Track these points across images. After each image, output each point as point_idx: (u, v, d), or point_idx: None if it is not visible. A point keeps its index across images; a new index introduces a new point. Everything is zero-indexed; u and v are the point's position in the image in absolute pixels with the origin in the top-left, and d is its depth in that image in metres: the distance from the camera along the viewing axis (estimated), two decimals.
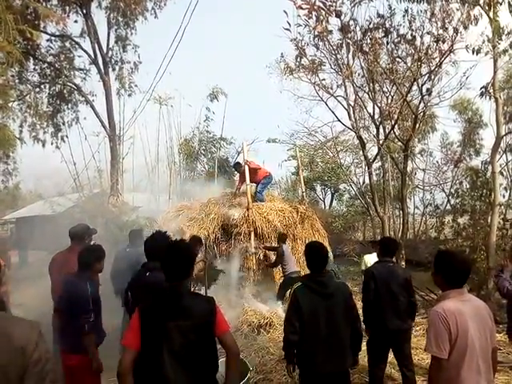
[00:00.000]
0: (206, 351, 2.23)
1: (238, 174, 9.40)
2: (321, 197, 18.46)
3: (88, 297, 3.18)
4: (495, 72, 6.85)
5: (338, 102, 8.68)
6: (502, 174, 8.50)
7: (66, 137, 13.36)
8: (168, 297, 2.28)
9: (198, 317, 2.22)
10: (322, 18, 7.07)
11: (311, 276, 3.17)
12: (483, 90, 7.06)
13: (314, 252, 3.21)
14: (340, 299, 3.06)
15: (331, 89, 8.55)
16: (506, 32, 6.70)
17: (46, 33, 11.88)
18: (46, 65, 12.54)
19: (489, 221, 7.30)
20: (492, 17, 6.64)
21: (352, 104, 8.67)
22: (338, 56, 7.93)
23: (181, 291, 2.30)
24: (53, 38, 12.31)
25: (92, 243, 4.63)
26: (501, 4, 6.79)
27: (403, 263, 8.10)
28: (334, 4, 6.93)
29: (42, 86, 12.95)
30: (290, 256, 7.29)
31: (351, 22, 7.30)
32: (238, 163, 9.16)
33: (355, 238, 15.91)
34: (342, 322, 3.03)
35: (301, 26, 7.22)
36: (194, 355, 2.19)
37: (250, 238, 7.87)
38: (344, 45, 7.63)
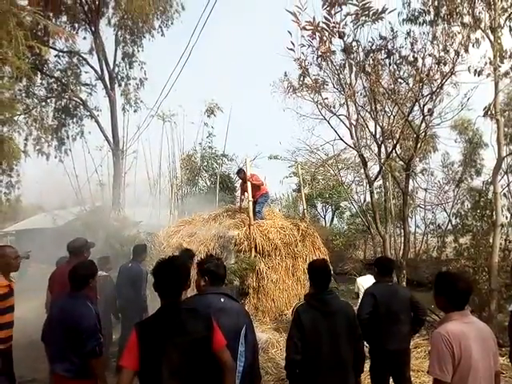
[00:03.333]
0: (204, 368, 2.20)
1: (240, 185, 9.40)
2: (322, 214, 18.46)
3: (95, 317, 3.07)
4: (496, 94, 6.93)
5: (341, 120, 8.78)
6: (504, 195, 8.52)
7: (70, 150, 13.51)
8: (165, 314, 2.26)
9: (196, 333, 2.21)
10: (325, 38, 7.20)
11: (314, 294, 3.14)
12: (486, 110, 7.14)
13: (317, 270, 3.17)
14: (343, 318, 3.02)
15: (334, 108, 8.66)
16: (507, 55, 6.82)
17: (55, 49, 12.15)
18: (53, 79, 12.76)
19: (491, 241, 7.27)
20: (493, 40, 6.77)
21: (354, 123, 8.76)
22: (341, 76, 8.05)
23: (177, 308, 2.29)
24: (61, 53, 12.57)
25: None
26: (502, 28, 6.94)
27: (404, 283, 8.04)
28: (338, 25, 7.06)
29: (48, 100, 13.15)
30: None
31: (354, 43, 7.44)
32: (241, 169, 9.18)
33: (356, 257, 15.83)
34: (345, 342, 2.98)
35: (304, 46, 7.35)
36: (193, 372, 2.16)
37: (250, 256, 7.84)
38: (347, 65, 7.76)
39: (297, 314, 3.03)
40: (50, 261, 5.86)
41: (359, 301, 4.31)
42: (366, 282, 5.61)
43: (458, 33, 7.06)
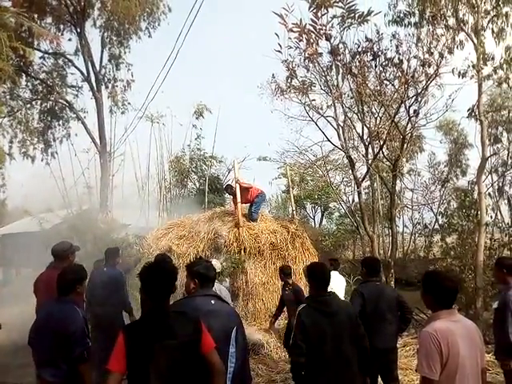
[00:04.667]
0: (193, 371, 2.20)
1: (231, 198, 9.40)
2: (311, 215, 18.53)
3: (82, 322, 3.03)
4: (480, 95, 7.07)
5: (328, 122, 8.83)
6: (489, 195, 8.69)
7: (56, 153, 13.32)
8: (153, 317, 2.25)
9: (184, 336, 2.20)
10: (312, 40, 7.26)
11: (314, 296, 3.20)
12: (470, 112, 7.28)
13: (316, 272, 3.24)
14: (344, 317, 3.08)
15: (321, 109, 8.70)
16: (490, 57, 6.96)
17: (40, 50, 11.99)
18: (38, 81, 12.58)
19: (476, 240, 7.40)
20: (477, 42, 6.91)
21: (341, 124, 8.82)
22: (328, 78, 8.11)
23: (165, 311, 2.28)
24: (46, 55, 12.40)
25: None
26: (485, 31, 7.08)
27: (392, 282, 8.12)
28: (324, 28, 7.12)
29: (34, 103, 12.96)
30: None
31: (340, 46, 7.51)
32: (229, 185, 9.19)
33: (345, 257, 15.92)
34: (348, 341, 3.03)
35: (291, 48, 7.39)
36: (182, 375, 2.15)
37: (239, 256, 7.83)
38: (334, 67, 7.83)
39: (299, 316, 3.05)
40: (36, 265, 5.76)
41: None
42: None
43: (442, 35, 7.18)
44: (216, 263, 5.57)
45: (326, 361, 2.95)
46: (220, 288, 4.70)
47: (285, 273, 5.63)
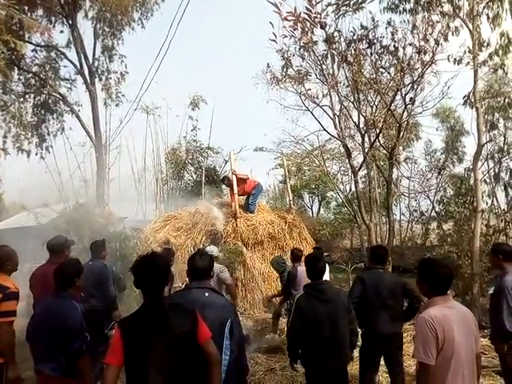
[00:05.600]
0: (190, 362, 2.21)
1: (229, 189, 9.40)
2: (308, 205, 18.57)
3: (81, 316, 3.04)
4: (475, 82, 7.04)
5: (324, 111, 8.80)
6: (485, 181, 8.71)
7: (51, 147, 13.20)
8: (148, 310, 2.26)
9: (180, 328, 2.21)
10: (307, 29, 7.19)
11: (311, 284, 3.47)
12: (466, 99, 7.25)
13: (314, 262, 3.53)
14: (339, 304, 3.39)
15: (317, 98, 8.67)
16: (485, 44, 6.92)
17: (31, 43, 11.79)
18: (30, 75, 12.42)
19: (472, 227, 7.44)
20: (472, 28, 6.85)
21: (337, 113, 8.80)
22: (324, 66, 8.06)
23: (160, 304, 2.29)
24: (38, 48, 12.22)
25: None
26: (480, 16, 7.02)
27: (390, 269, 8.18)
28: (319, 16, 7.05)
29: (27, 96, 12.80)
30: (303, 279, 4.81)
31: (336, 34, 7.44)
32: (226, 177, 9.18)
33: (343, 246, 16.00)
34: (342, 324, 3.34)
35: (286, 36, 7.32)
36: (179, 367, 2.17)
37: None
38: (329, 55, 7.77)
39: (297, 303, 3.39)
40: (32, 260, 5.74)
41: None
42: None
43: (438, 21, 7.12)
44: (212, 249, 5.60)
45: (322, 342, 3.27)
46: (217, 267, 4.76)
47: (294, 255, 5.70)
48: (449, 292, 2.50)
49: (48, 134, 13.19)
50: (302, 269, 5.01)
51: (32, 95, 12.84)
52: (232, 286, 5.41)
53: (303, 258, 4.82)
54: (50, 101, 12.99)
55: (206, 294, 2.73)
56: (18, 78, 12.33)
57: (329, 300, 3.34)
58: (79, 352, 2.95)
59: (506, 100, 8.10)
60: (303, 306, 3.33)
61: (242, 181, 8.61)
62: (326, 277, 5.61)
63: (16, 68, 11.81)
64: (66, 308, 3.03)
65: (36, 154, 13.04)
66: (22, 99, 12.72)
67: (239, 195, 8.60)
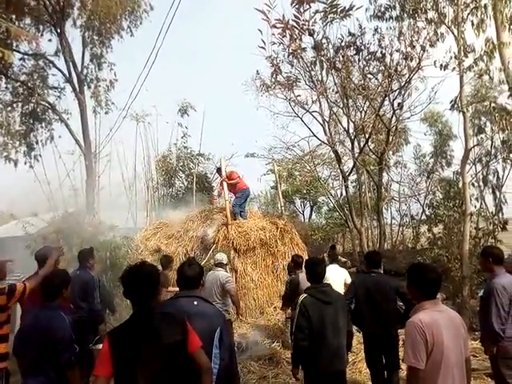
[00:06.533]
0: (181, 372, 2.19)
1: (219, 179, 9.36)
2: (300, 210, 18.60)
3: (69, 328, 2.98)
4: (462, 87, 7.15)
5: (314, 117, 8.88)
6: (473, 184, 8.80)
7: (40, 156, 13.06)
8: (138, 320, 2.23)
9: (170, 337, 2.18)
10: (295, 36, 7.26)
11: (314, 287, 3.53)
12: (453, 103, 7.36)
13: (315, 266, 3.62)
14: (340, 306, 3.47)
15: (306, 104, 8.76)
16: (470, 49, 7.04)
17: (19, 51, 11.71)
18: (18, 83, 12.32)
19: (462, 230, 7.50)
20: (457, 35, 6.97)
21: (327, 119, 8.88)
22: (313, 73, 8.15)
23: (150, 313, 2.26)
24: (26, 56, 12.13)
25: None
26: (465, 23, 7.15)
27: (381, 273, 8.20)
28: (307, 23, 7.13)
29: (15, 105, 12.68)
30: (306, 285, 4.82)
31: (324, 41, 7.54)
32: (219, 168, 9.15)
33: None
34: (342, 326, 3.42)
35: (275, 44, 7.39)
36: (170, 377, 2.15)
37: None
38: (318, 62, 7.85)
39: (303, 305, 3.39)
40: (21, 270, 5.66)
41: None
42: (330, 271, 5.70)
43: (424, 28, 7.24)
44: (222, 256, 5.62)
45: (324, 344, 3.31)
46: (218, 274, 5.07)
47: (295, 262, 5.83)
48: (439, 295, 2.52)
49: (37, 143, 13.06)
50: (303, 275, 4.75)
51: (20, 104, 12.72)
52: (236, 298, 5.59)
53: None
54: (38, 109, 12.88)
55: (195, 303, 2.71)
56: (6, 87, 12.23)
57: (332, 302, 3.42)
58: (69, 364, 2.88)
59: (492, 104, 8.22)
60: (309, 308, 3.36)
61: (232, 186, 8.62)
62: (348, 281, 5.97)
63: (3, 77, 11.72)
64: (54, 320, 2.96)
65: (25, 164, 12.90)
66: (9, 108, 12.60)
67: (229, 190, 8.55)
